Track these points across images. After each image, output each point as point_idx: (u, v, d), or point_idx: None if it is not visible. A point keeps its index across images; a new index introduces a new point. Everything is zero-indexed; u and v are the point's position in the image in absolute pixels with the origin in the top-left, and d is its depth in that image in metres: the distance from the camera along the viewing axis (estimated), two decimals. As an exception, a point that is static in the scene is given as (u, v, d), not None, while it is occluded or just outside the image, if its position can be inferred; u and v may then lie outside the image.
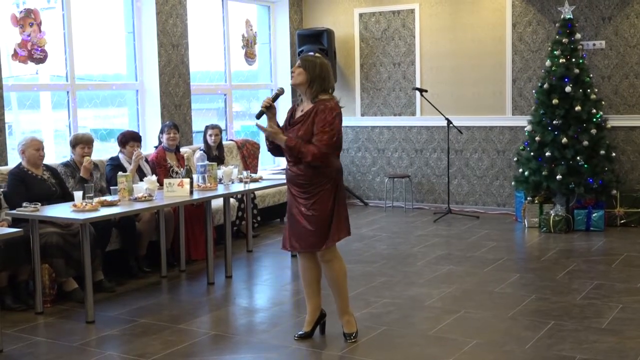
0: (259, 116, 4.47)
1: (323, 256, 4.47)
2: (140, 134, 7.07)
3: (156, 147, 7.00)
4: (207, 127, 7.59)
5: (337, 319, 4.63)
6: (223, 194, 6.13)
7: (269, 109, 4.43)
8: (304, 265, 4.58)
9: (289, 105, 4.61)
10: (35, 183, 5.60)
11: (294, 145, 4.30)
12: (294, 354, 4.45)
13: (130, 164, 6.39)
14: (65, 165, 6.10)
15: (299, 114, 4.43)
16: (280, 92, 4.55)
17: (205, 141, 7.55)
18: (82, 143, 6.09)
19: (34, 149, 5.68)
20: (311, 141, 4.30)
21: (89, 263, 5.09)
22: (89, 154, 6.10)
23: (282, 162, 9.76)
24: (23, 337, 4.76)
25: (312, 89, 4.35)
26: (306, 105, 4.41)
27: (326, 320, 4.69)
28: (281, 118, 4.53)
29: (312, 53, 4.61)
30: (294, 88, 4.56)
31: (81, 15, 7.26)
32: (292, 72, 4.43)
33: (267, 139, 4.53)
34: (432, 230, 8.00)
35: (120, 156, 6.46)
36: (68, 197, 5.71)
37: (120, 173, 5.78)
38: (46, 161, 5.95)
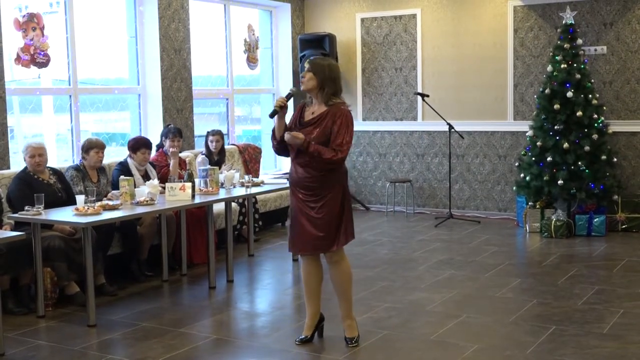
0: (272, 115, 4.43)
1: (331, 257, 4.48)
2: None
3: (157, 148, 7.01)
4: (208, 133, 7.58)
5: (338, 323, 4.64)
6: (225, 198, 6.14)
7: (282, 108, 4.42)
8: (307, 269, 4.58)
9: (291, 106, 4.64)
10: (42, 188, 5.59)
11: (315, 150, 4.30)
12: (295, 358, 4.45)
13: (138, 170, 6.42)
14: (76, 169, 6.06)
15: (309, 115, 4.42)
16: (294, 92, 4.53)
17: (207, 146, 7.54)
18: (96, 147, 6.09)
19: (29, 156, 5.68)
20: (326, 144, 4.32)
21: (91, 267, 5.09)
22: (102, 158, 6.15)
23: (283, 166, 9.79)
24: (25, 341, 4.76)
25: (324, 91, 4.37)
26: (317, 108, 4.40)
27: (327, 325, 4.70)
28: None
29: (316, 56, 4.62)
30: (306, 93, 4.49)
31: (84, 20, 7.27)
32: (302, 78, 4.43)
33: (273, 137, 4.51)
34: (434, 235, 8.01)
35: (129, 161, 6.47)
36: (73, 202, 5.72)
37: (122, 177, 5.79)
38: (49, 164, 5.96)
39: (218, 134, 7.56)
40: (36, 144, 5.79)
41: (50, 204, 5.45)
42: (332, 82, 4.37)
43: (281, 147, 4.51)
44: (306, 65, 4.46)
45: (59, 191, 5.78)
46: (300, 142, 4.28)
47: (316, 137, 4.33)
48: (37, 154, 5.70)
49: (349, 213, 4.50)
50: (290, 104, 4.66)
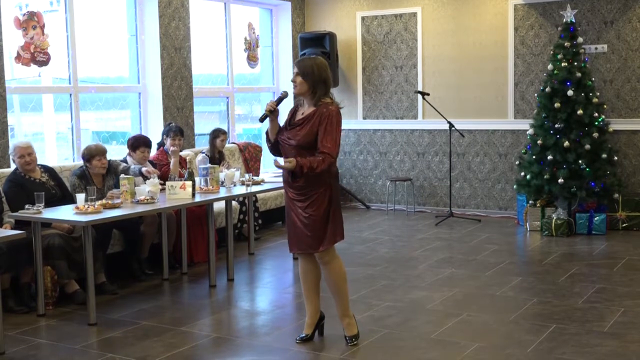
0: (262, 119, 4.49)
1: (321, 258, 4.49)
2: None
3: (159, 146, 7.00)
4: (218, 132, 7.48)
5: (339, 322, 4.63)
6: (225, 196, 6.14)
7: (272, 113, 4.44)
8: (304, 268, 4.60)
9: (291, 105, 4.62)
10: (34, 187, 5.55)
11: (308, 168, 4.24)
12: (296, 356, 4.45)
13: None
14: (79, 177, 5.94)
15: (299, 116, 4.43)
16: (284, 95, 4.56)
17: (213, 144, 7.48)
18: (98, 155, 5.96)
19: (17, 157, 5.63)
20: (312, 145, 4.31)
21: (92, 265, 5.09)
22: (106, 163, 6.02)
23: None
24: (25, 340, 4.76)
25: (315, 94, 4.35)
26: (307, 109, 4.41)
27: (328, 323, 4.70)
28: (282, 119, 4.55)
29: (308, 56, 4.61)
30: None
31: (84, 18, 7.27)
32: (292, 82, 4.39)
33: (268, 139, 4.57)
34: (434, 233, 8.00)
35: (129, 159, 6.47)
36: (68, 199, 5.70)
37: (122, 175, 5.79)
38: (48, 163, 5.93)
39: (226, 133, 7.60)
40: (23, 143, 5.69)
41: (45, 202, 5.38)
42: (323, 83, 4.33)
43: (275, 148, 4.56)
44: (294, 69, 4.40)
45: (53, 188, 5.75)
46: (292, 167, 4.25)
47: (302, 138, 4.32)
48: (25, 153, 5.62)
49: (337, 213, 4.47)
50: (291, 105, 4.66)
